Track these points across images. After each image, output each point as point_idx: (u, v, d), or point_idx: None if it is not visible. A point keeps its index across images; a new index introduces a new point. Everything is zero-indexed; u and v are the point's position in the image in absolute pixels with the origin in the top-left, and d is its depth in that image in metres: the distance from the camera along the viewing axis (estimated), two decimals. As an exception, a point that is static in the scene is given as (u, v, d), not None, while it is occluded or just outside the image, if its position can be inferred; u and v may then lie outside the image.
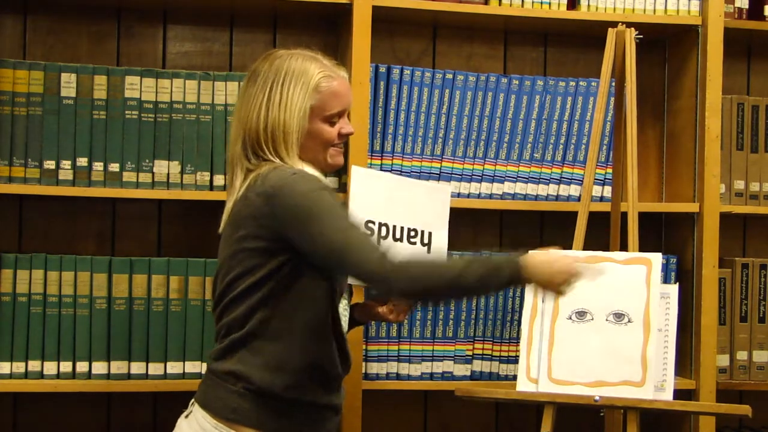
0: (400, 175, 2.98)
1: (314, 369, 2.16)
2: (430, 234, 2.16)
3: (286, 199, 2.08)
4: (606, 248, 2.87)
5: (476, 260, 2.04)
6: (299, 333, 2.14)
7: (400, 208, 2.19)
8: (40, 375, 2.79)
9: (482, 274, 2.01)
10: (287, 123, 2.16)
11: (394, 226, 2.17)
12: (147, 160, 2.84)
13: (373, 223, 2.17)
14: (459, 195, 3.03)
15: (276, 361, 2.13)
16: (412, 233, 2.17)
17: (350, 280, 2.25)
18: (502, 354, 3.05)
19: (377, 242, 2.13)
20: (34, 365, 2.78)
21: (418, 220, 2.18)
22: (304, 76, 2.18)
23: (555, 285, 2.03)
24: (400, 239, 2.17)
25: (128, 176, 2.82)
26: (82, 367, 2.80)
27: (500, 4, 3.06)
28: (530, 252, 2.02)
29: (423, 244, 2.16)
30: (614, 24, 2.84)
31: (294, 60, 2.20)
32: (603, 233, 2.96)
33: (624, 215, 2.77)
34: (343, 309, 2.22)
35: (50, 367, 2.79)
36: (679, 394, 2.90)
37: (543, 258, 2.03)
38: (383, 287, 2.11)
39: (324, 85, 2.19)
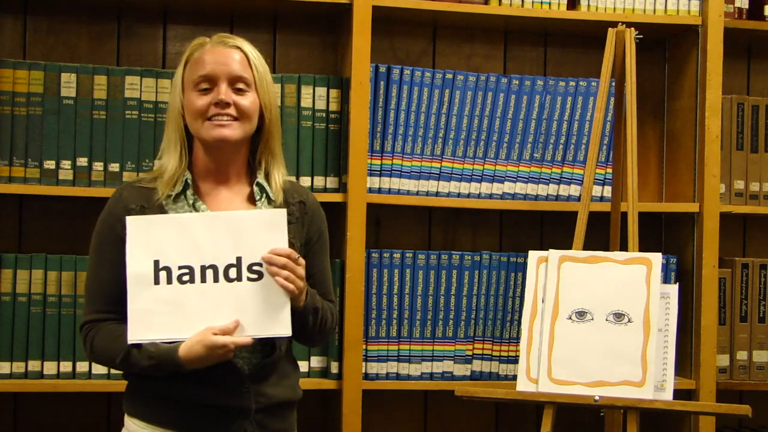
0: (400, 175, 2.99)
1: None
2: (260, 264, 2.09)
3: None
4: (606, 248, 2.86)
5: (142, 352, 2.06)
6: None
7: (209, 246, 2.05)
8: (40, 375, 2.79)
9: (145, 367, 2.06)
10: (170, 100, 2.21)
11: (203, 267, 2.05)
12: (147, 160, 2.84)
13: (167, 269, 2.05)
14: (459, 195, 3.03)
15: None
16: (231, 269, 2.08)
17: None
18: (502, 354, 3.05)
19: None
20: (34, 365, 2.78)
21: (238, 251, 2.09)
22: (183, 54, 2.20)
23: (216, 359, 2.04)
24: (215, 279, 2.07)
25: (128, 176, 2.82)
26: (82, 367, 2.80)
27: (500, 4, 3.06)
28: (182, 348, 2.03)
29: (251, 279, 2.09)
30: (614, 24, 2.84)
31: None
32: (603, 233, 2.96)
33: (624, 215, 2.77)
34: None
35: (50, 367, 2.79)
36: (679, 394, 2.90)
37: (195, 354, 2.02)
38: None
39: (193, 56, 2.17)
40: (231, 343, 2.02)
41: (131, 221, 2.07)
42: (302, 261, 2.10)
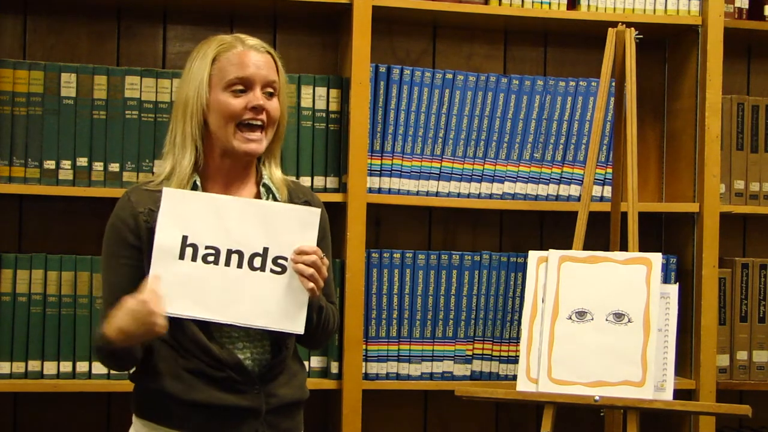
0: (400, 175, 2.99)
1: None
2: (286, 258, 2.10)
3: None
4: (606, 248, 2.86)
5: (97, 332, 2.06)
6: None
7: (238, 231, 2.07)
8: (40, 375, 2.79)
9: (99, 347, 2.07)
10: (186, 93, 2.15)
11: (229, 251, 2.06)
12: (147, 160, 2.84)
13: (194, 246, 2.05)
14: (459, 195, 3.03)
15: None
16: (256, 258, 2.10)
17: None
18: (502, 354, 3.05)
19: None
20: (34, 365, 2.78)
21: (266, 242, 2.07)
22: (206, 50, 2.17)
23: (150, 329, 1.99)
24: (239, 265, 2.07)
25: (128, 176, 2.82)
26: (82, 367, 2.80)
27: (500, 4, 3.06)
28: (110, 317, 2.01)
29: (274, 271, 2.11)
30: (614, 24, 2.84)
31: (208, 40, 2.20)
32: (603, 233, 2.96)
33: (624, 215, 2.77)
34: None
35: (50, 367, 2.79)
36: (679, 394, 2.90)
37: (121, 322, 1.99)
38: None
39: (223, 55, 2.15)
40: (148, 296, 1.96)
41: (167, 192, 2.07)
42: (327, 261, 2.12)
